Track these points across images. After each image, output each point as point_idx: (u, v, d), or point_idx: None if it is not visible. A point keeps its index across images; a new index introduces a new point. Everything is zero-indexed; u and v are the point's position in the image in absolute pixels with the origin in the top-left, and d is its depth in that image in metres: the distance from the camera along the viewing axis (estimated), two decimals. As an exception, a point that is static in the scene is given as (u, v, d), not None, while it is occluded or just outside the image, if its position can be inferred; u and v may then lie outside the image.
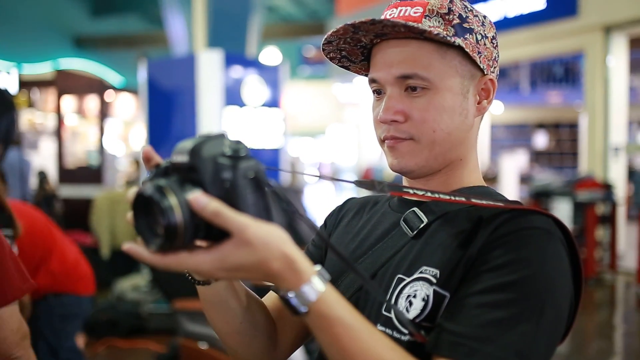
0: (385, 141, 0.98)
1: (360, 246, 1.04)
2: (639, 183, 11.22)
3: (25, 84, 9.18)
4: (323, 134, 20.81)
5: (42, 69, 13.63)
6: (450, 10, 0.94)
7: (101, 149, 7.78)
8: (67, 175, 7.83)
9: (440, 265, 0.88)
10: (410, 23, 0.89)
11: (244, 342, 0.99)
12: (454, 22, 0.94)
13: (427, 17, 0.93)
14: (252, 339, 1.00)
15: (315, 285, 0.71)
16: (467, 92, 0.97)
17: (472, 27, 0.95)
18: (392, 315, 0.89)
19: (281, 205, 0.75)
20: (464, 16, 0.94)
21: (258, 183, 0.69)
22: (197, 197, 0.65)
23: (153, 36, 17.35)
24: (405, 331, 0.87)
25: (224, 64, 5.37)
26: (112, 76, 17.97)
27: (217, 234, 0.67)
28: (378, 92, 1.00)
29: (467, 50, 0.94)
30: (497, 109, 16.26)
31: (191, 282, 0.89)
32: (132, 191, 0.68)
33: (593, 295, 6.88)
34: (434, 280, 0.87)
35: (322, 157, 21.35)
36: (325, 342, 0.74)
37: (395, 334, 0.88)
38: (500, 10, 8.82)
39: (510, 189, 10.18)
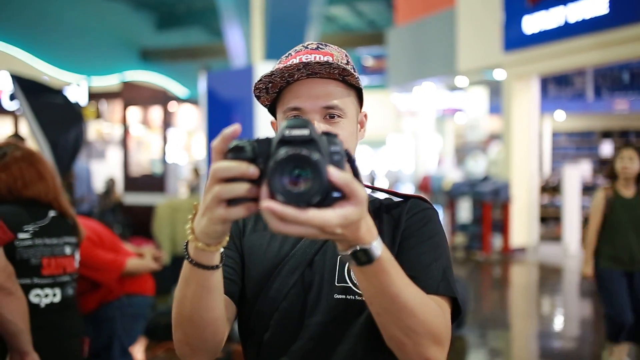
0: None
1: (286, 242, 1.23)
2: None
3: (94, 96, 9.56)
4: (383, 144, 20.71)
5: (110, 81, 14.17)
6: (348, 62, 1.22)
7: (164, 158, 8.03)
8: (132, 183, 8.11)
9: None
10: (349, 69, 1.15)
11: (218, 330, 1.08)
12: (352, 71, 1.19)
13: None
14: (224, 326, 1.10)
15: (379, 241, 0.90)
16: (357, 122, 1.25)
17: (357, 75, 1.20)
18: (349, 283, 1.16)
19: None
20: (354, 67, 1.22)
21: (348, 157, 0.89)
22: (332, 168, 0.80)
23: (215, 48, 17.78)
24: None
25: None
26: (175, 87, 18.47)
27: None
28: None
29: (362, 92, 1.25)
30: (558, 117, 15.80)
31: (199, 268, 0.96)
32: (282, 152, 0.80)
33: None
34: None
35: (381, 166, 21.31)
36: (384, 284, 0.92)
37: (357, 297, 1.15)
38: (561, 17, 8.63)
39: (573, 200, 9.87)
